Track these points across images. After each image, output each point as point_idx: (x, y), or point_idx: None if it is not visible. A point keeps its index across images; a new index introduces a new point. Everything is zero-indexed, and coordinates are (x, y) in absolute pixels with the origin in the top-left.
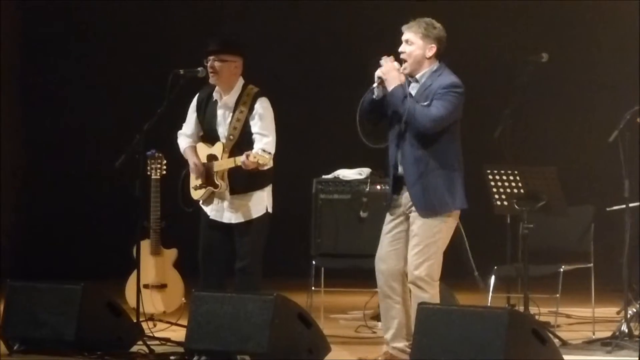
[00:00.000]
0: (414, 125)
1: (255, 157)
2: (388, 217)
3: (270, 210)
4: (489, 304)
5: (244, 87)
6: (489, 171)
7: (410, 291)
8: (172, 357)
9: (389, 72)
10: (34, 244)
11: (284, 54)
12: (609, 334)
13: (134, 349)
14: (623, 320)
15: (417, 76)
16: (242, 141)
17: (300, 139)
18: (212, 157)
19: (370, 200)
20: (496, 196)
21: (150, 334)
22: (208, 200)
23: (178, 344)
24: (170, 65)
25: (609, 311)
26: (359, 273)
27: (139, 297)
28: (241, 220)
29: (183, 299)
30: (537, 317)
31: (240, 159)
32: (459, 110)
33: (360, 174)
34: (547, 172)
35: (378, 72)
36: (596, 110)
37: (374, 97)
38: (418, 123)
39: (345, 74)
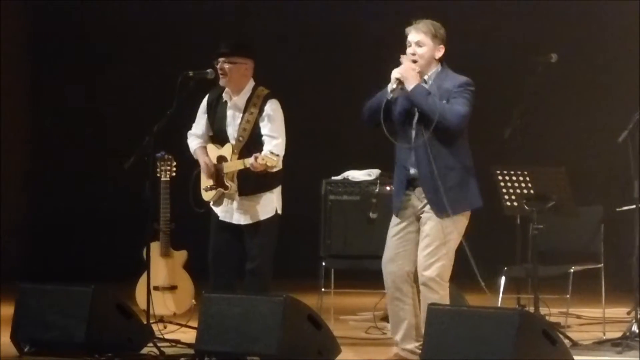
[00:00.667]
0: (444, 123)
1: (263, 160)
2: (395, 219)
3: (279, 211)
4: (499, 305)
5: (254, 88)
6: (498, 172)
7: (418, 292)
8: (182, 359)
9: (407, 71)
10: (44, 246)
11: (294, 55)
12: (619, 334)
13: (144, 350)
14: (633, 321)
15: (425, 77)
16: (252, 143)
17: (309, 140)
18: (221, 159)
19: (379, 201)
20: (506, 197)
21: (161, 336)
22: (218, 201)
23: (188, 345)
24: (180, 67)
25: (619, 312)
26: (368, 274)
27: (149, 298)
28: (250, 221)
29: (193, 300)
30: (547, 317)
31: (249, 161)
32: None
33: (370, 175)
34: (556, 173)
35: (395, 73)
36: (605, 110)
37: (389, 97)
38: (448, 121)
39: (354, 75)
